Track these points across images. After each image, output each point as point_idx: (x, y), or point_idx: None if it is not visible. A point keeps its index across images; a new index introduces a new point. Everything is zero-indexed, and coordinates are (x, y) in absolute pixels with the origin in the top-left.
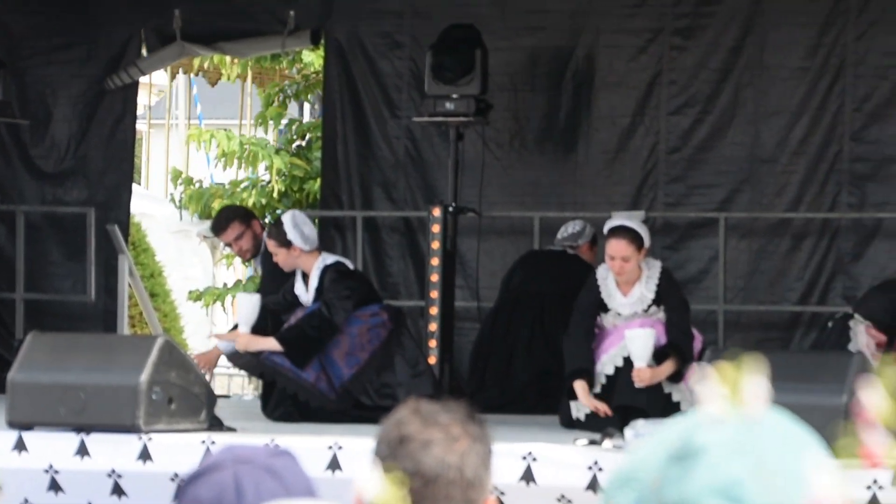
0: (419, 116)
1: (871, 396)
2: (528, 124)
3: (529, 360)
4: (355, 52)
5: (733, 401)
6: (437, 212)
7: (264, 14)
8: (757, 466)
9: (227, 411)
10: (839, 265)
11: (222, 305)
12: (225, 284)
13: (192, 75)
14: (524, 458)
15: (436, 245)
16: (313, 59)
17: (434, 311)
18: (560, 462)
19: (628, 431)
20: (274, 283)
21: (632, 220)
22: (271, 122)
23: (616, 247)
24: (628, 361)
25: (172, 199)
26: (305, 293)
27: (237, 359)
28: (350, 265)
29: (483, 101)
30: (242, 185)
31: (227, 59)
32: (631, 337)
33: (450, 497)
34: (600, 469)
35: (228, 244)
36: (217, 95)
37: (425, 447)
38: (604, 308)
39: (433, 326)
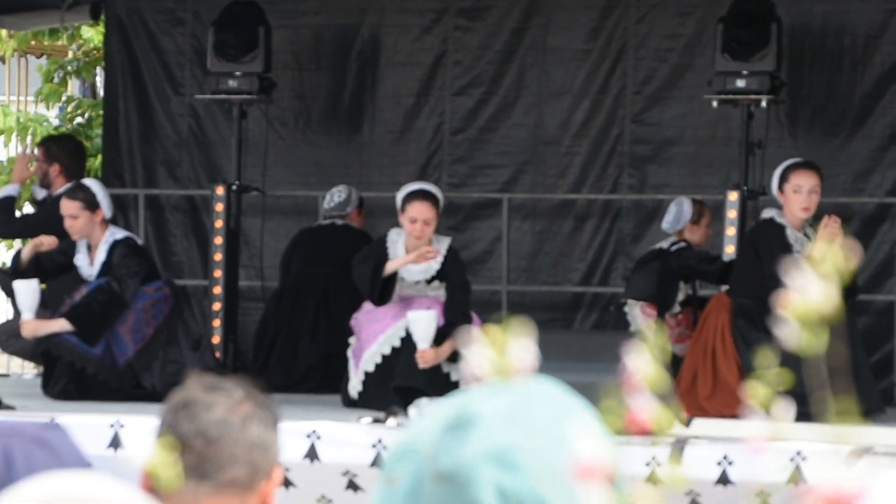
0: (202, 94)
1: (638, 361)
2: (312, 103)
3: (314, 343)
4: (137, 29)
5: (500, 364)
6: (220, 190)
7: None
8: (529, 433)
9: (5, 390)
10: (620, 246)
11: None
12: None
13: None
14: (308, 436)
15: (219, 224)
16: (93, 34)
17: (218, 290)
18: (344, 440)
19: (412, 409)
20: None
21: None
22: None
23: (420, 209)
24: (405, 342)
25: None
26: (89, 266)
27: (10, 345)
28: (139, 241)
29: (267, 80)
30: None
31: (3, 33)
32: (414, 319)
33: (234, 458)
34: (384, 447)
35: None
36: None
37: (208, 409)
38: (386, 258)
39: (217, 306)
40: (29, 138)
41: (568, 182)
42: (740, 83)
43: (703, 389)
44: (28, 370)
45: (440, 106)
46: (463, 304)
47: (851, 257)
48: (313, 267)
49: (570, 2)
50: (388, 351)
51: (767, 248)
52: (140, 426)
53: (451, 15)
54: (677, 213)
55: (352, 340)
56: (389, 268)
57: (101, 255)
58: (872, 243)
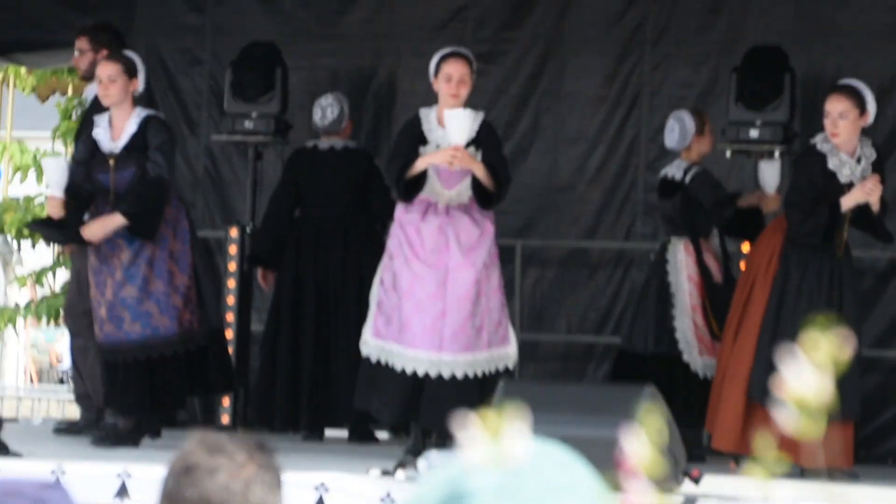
0: (218, 135)
1: (634, 444)
2: None
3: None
4: (155, 68)
5: (495, 447)
6: (234, 232)
7: (62, 26)
8: None
9: (14, 436)
10: (633, 295)
11: (13, 326)
12: (17, 305)
13: None
14: (316, 488)
15: (233, 266)
16: None
17: (230, 333)
18: (353, 493)
19: (421, 462)
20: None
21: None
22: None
23: (455, 65)
24: (434, 382)
25: None
26: (111, 140)
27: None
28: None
29: (283, 121)
30: (38, 200)
31: (23, 70)
32: (450, 116)
33: None
34: (393, 500)
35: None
36: (23, 106)
37: (211, 474)
38: (423, 141)
39: (229, 349)
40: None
41: (581, 229)
42: (754, 133)
43: (732, 316)
44: (38, 416)
45: None
46: (501, 165)
47: (844, 348)
48: (328, 206)
49: (585, 48)
50: (421, 371)
51: (799, 173)
52: (148, 476)
53: None
54: (682, 131)
55: (378, 286)
56: (419, 165)
57: (130, 126)
58: (884, 298)
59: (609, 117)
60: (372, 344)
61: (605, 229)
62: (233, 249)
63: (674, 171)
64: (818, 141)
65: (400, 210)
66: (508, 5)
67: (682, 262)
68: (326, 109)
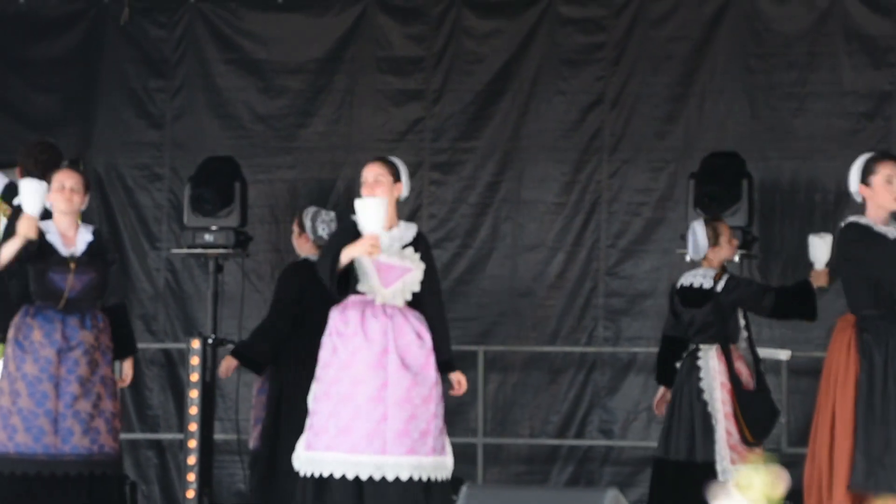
0: (178, 248)
1: None
2: (288, 256)
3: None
4: (114, 184)
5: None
6: (196, 344)
7: (18, 145)
8: None
9: None
10: (596, 398)
11: None
12: None
13: None
14: None
15: (195, 377)
16: None
17: (193, 443)
18: None
19: None
20: None
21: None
22: None
23: (370, 168)
24: (378, 485)
25: None
26: (65, 246)
27: None
28: None
29: (243, 234)
30: None
31: None
32: (360, 205)
33: None
34: None
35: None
36: None
37: None
38: (359, 236)
39: (192, 459)
40: None
41: (543, 334)
42: None
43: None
44: None
45: None
46: (434, 273)
47: (778, 483)
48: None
49: (543, 155)
50: (365, 475)
51: (864, 247)
52: None
53: (425, 169)
54: (694, 244)
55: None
56: (343, 259)
57: (86, 235)
58: None
59: (568, 224)
60: (303, 457)
61: (566, 334)
62: (195, 360)
63: (699, 279)
64: (853, 219)
65: (336, 319)
66: (465, 115)
67: (714, 370)
68: (331, 224)
